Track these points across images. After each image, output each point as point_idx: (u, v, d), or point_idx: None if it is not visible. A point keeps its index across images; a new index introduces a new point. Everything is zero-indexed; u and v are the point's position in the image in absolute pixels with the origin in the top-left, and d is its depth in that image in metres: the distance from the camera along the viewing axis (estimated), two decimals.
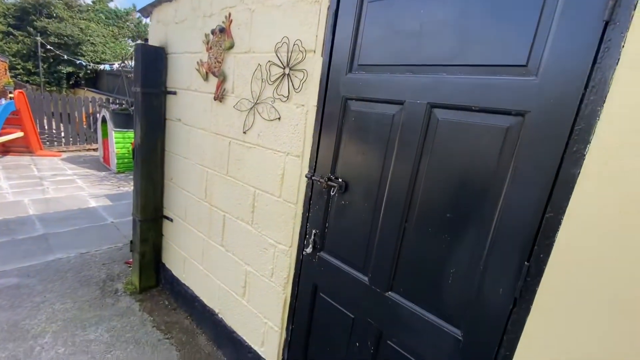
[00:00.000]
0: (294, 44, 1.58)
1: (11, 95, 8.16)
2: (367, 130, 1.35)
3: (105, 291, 2.79)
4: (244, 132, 1.93)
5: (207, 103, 2.21)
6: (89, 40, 11.66)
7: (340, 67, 1.44)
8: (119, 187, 5.48)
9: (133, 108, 3.24)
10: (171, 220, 2.72)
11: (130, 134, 6.20)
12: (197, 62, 2.22)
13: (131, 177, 6.12)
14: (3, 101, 8.92)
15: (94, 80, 12.18)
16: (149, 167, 2.62)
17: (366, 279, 1.40)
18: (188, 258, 2.56)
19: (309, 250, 1.62)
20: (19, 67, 11.42)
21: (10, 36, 11.49)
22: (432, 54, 1.12)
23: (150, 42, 2.66)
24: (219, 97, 2.08)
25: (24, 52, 11.49)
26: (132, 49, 13.93)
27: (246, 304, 2.03)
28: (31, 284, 2.78)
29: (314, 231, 1.61)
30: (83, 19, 11.92)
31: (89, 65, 11.65)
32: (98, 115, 7.84)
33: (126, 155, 6.20)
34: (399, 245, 1.27)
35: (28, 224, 3.80)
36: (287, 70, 1.65)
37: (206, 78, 2.18)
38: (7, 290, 2.68)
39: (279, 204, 1.76)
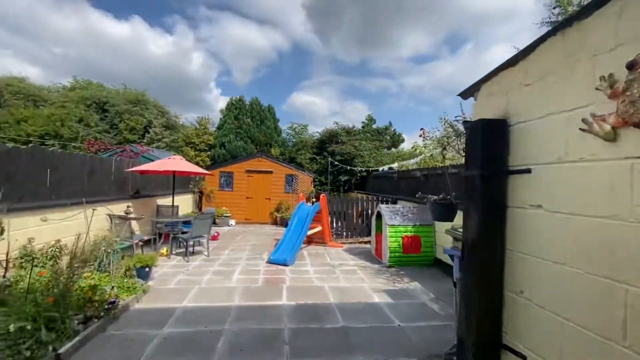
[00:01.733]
0: None
1: (313, 199, 11.06)
2: None
3: None
4: None
5: (613, 175, 1.36)
6: (359, 154, 14.62)
7: None
8: (394, 283, 5.34)
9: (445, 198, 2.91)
10: (523, 357, 1.80)
11: (402, 228, 6.33)
12: (585, 120, 1.49)
13: (402, 272, 5.98)
14: (309, 204, 12.47)
15: (361, 184, 14.70)
16: (483, 271, 1.96)
17: None
18: None
19: None
20: (316, 180, 15.28)
21: (313, 160, 16.23)
22: None
23: (475, 119, 2.28)
24: None
25: (320, 169, 15.75)
26: (388, 155, 16.27)
27: None
28: None
29: None
30: (356, 140, 15.36)
31: (359, 173, 14.25)
32: (369, 211, 8.95)
33: (397, 249, 6.25)
34: None
35: (331, 313, 4.06)
36: None
37: (613, 136, 1.38)
38: None
39: None
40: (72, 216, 5.18)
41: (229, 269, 5.99)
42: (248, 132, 16.01)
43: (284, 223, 11.68)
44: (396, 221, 6.41)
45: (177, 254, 7.06)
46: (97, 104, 17.19)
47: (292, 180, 12.41)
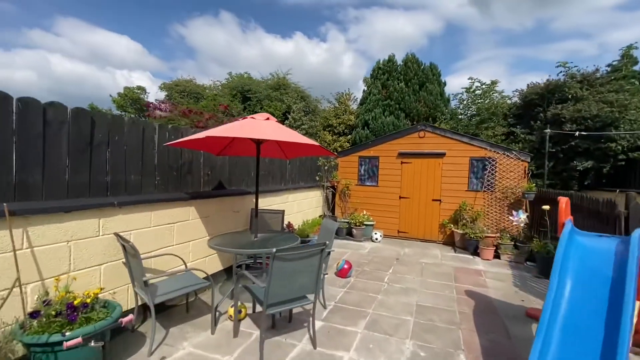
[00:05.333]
0: None
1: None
2: None
3: None
4: None
5: None
6: (622, 116, 7.38)
7: None
8: None
9: None
10: None
11: None
12: None
13: None
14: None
15: (621, 175, 7.48)
16: None
17: None
18: None
19: None
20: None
21: (510, 136, 9.87)
22: None
23: None
24: None
25: (526, 151, 9.23)
26: None
27: None
28: None
29: None
30: (610, 91, 8.03)
31: (622, 155, 7.15)
32: None
33: None
34: None
35: None
36: None
37: None
38: None
39: None
40: None
41: None
42: (401, 102, 11.33)
43: (467, 246, 6.46)
44: None
45: (258, 316, 3.29)
46: (241, 93, 16.60)
47: (484, 168, 6.93)
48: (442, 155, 7.24)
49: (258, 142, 3.58)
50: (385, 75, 12.02)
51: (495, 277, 4.97)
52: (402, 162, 7.59)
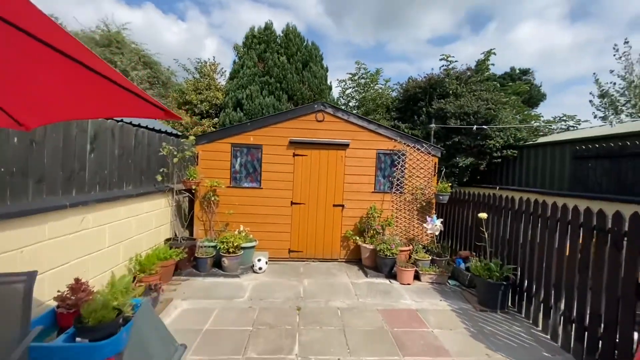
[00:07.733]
0: None
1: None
2: None
3: None
4: None
5: None
6: (496, 115, 7.50)
7: None
8: None
9: None
10: None
11: None
12: None
13: None
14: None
15: (494, 172, 7.72)
16: None
17: None
18: None
19: None
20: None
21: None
22: None
23: None
24: None
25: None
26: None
27: None
28: None
29: None
30: (482, 90, 8.20)
31: (497, 152, 7.21)
32: None
33: None
34: None
35: None
36: None
37: None
38: None
39: None
40: None
41: None
42: (282, 81, 9.19)
43: (380, 267, 4.92)
44: None
45: None
46: None
47: (393, 164, 5.58)
48: (345, 146, 5.48)
49: None
50: (262, 45, 9.58)
51: (440, 323, 3.46)
52: (294, 155, 5.43)
